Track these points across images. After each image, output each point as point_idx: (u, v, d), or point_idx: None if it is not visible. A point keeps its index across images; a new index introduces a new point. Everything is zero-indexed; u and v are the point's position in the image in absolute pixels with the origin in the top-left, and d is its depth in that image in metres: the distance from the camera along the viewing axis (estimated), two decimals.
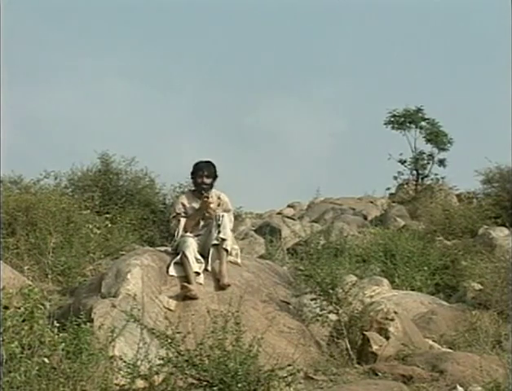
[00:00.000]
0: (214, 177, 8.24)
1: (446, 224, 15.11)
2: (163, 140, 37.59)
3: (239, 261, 8.25)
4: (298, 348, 7.14)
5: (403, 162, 21.79)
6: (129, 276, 7.58)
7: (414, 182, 21.67)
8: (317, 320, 7.94)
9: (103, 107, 41.31)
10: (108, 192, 14.57)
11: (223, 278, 7.83)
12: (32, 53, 41.71)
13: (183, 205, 8.19)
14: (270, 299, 8.02)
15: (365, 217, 18.82)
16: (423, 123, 21.84)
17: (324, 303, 7.94)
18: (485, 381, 6.52)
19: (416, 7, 39.03)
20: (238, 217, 15.61)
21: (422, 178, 21.66)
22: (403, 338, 7.89)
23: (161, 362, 6.27)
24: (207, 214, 8.10)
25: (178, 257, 7.85)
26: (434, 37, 42.20)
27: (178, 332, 6.39)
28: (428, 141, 21.69)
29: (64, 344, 6.02)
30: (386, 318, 7.94)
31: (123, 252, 10.16)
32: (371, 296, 8.31)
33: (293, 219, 18.42)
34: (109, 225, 12.54)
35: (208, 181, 8.17)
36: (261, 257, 12.34)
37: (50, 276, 10.23)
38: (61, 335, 6.10)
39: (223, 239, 7.93)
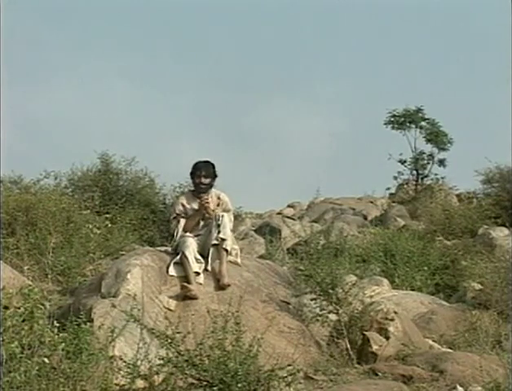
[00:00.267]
0: (213, 176, 8.22)
1: (446, 224, 15.11)
2: (163, 140, 37.61)
3: (239, 261, 8.25)
4: (298, 348, 7.14)
5: (403, 162, 21.81)
6: (129, 276, 7.58)
7: (414, 182, 21.67)
8: (317, 320, 7.94)
9: (103, 107, 41.32)
10: (108, 192, 14.57)
11: (223, 279, 7.83)
12: (32, 53, 41.73)
13: (183, 206, 8.19)
14: (270, 299, 8.02)
15: (365, 217, 18.82)
16: (423, 123, 21.85)
17: (324, 303, 7.94)
18: (485, 381, 6.52)
19: (416, 7, 39.05)
20: (238, 217, 15.61)
21: (422, 178, 21.67)
22: (403, 338, 7.89)
23: (161, 362, 6.27)
24: (206, 215, 8.10)
25: (178, 257, 7.85)
26: (434, 37, 42.22)
27: (178, 332, 6.39)
28: (428, 141, 21.70)
29: (63, 344, 6.02)
30: (386, 318, 7.94)
31: (123, 252, 10.16)
32: (371, 296, 8.31)
33: (293, 219, 18.42)
34: (109, 225, 12.53)
35: (206, 181, 8.16)
36: (261, 257, 12.33)
37: (50, 276, 10.23)
38: (61, 335, 6.10)
39: (223, 239, 7.93)
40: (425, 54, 40.79)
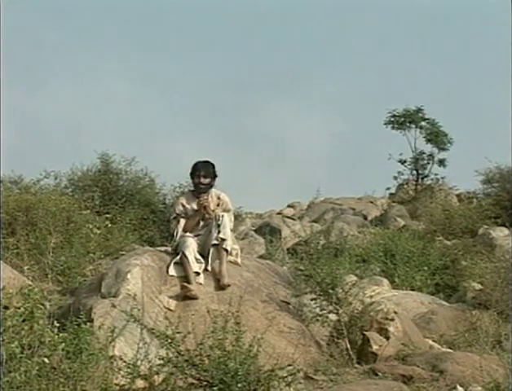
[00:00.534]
0: (213, 176, 8.21)
1: (446, 224, 15.11)
2: (163, 140, 37.61)
3: (239, 261, 8.25)
4: (298, 348, 7.14)
5: (403, 162, 21.82)
6: (129, 276, 7.58)
7: (414, 182, 21.68)
8: (317, 320, 7.94)
9: (103, 107, 41.33)
10: (108, 192, 14.57)
11: (223, 279, 7.83)
12: (32, 53, 41.72)
13: (183, 206, 8.19)
14: (270, 299, 8.02)
15: (365, 217, 18.82)
16: (423, 123, 21.86)
17: (324, 303, 7.94)
18: (485, 381, 6.52)
19: (416, 7, 39.04)
20: (238, 217, 15.61)
21: (422, 178, 21.67)
22: (403, 338, 7.89)
23: (161, 362, 6.27)
24: (206, 215, 8.10)
25: (178, 257, 7.85)
26: (435, 37, 42.22)
27: (178, 332, 6.39)
28: (428, 141, 21.70)
29: (63, 344, 6.02)
30: (386, 318, 7.95)
31: (123, 252, 10.16)
32: (371, 296, 8.31)
33: (293, 219, 18.41)
34: (109, 225, 12.54)
35: (205, 181, 8.15)
36: (261, 257, 12.33)
37: (50, 276, 10.23)
38: (61, 335, 6.10)
39: (223, 239, 7.93)
40: (426, 54, 40.81)
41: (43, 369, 5.83)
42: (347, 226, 15.74)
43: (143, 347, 6.36)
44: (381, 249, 12.40)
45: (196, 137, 37.41)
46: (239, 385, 6.02)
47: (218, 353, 6.17)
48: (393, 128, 22.07)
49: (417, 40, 41.64)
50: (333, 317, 7.93)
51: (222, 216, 8.00)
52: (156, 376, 6.32)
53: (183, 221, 8.11)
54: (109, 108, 41.82)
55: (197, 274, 7.82)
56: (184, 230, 8.06)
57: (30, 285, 6.85)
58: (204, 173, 8.15)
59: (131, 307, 6.82)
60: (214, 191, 8.25)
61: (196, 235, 8.04)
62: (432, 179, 21.49)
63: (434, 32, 42.63)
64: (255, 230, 16.35)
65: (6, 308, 6.18)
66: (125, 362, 6.27)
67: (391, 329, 7.87)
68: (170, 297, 7.60)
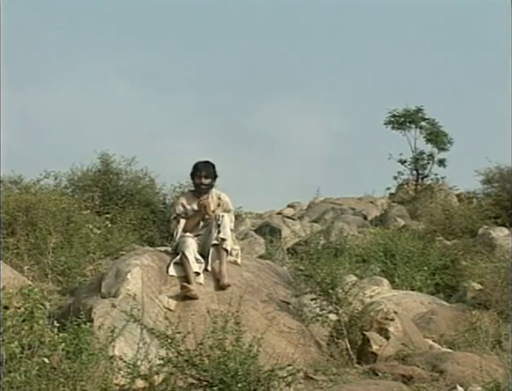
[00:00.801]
0: (214, 177, 8.22)
1: (446, 224, 15.10)
2: (163, 140, 37.62)
3: (239, 261, 8.25)
4: (298, 348, 7.14)
5: (403, 162, 21.79)
6: (129, 276, 7.58)
7: (414, 182, 21.66)
8: (317, 320, 7.94)
9: (103, 107, 41.33)
10: (108, 192, 14.57)
11: (223, 279, 7.83)
12: (32, 53, 41.71)
13: (183, 206, 8.20)
14: (270, 299, 8.02)
15: (365, 217, 18.81)
16: (423, 123, 21.83)
17: (324, 303, 7.95)
18: (485, 381, 6.52)
19: (416, 7, 39.04)
20: (238, 217, 15.59)
21: (422, 178, 21.65)
22: (403, 338, 7.89)
23: (161, 362, 6.28)
24: (206, 216, 8.10)
25: (178, 257, 7.85)
26: (434, 37, 42.22)
27: (178, 332, 6.39)
28: (428, 141, 21.68)
29: (63, 344, 6.02)
30: (386, 318, 7.95)
31: (123, 252, 10.16)
32: (371, 296, 8.31)
33: (293, 219, 18.40)
34: (109, 225, 12.54)
35: (206, 181, 8.16)
36: (261, 257, 12.33)
37: (50, 276, 10.23)
38: (61, 335, 6.10)
39: (223, 239, 7.93)
40: (425, 54, 40.81)
41: (43, 369, 5.83)
42: (347, 226, 15.73)
43: (143, 347, 6.36)
44: (381, 249, 12.40)
45: (196, 137, 37.43)
46: (239, 385, 6.02)
47: (218, 353, 6.17)
48: (393, 128, 22.05)
49: (417, 40, 41.68)
50: (333, 317, 7.93)
51: (223, 216, 8.01)
52: (156, 376, 6.32)
53: (183, 222, 8.12)
54: (109, 108, 41.83)
55: (197, 274, 7.82)
56: (184, 231, 8.07)
57: (30, 285, 6.85)
58: (205, 174, 8.16)
59: (131, 307, 6.82)
60: (214, 191, 8.26)
61: (196, 235, 8.05)
62: (432, 179, 21.47)
63: (435, 32, 42.65)
64: (255, 230, 16.35)
65: (6, 308, 6.18)
66: (125, 362, 6.27)
67: (391, 329, 7.87)
68: (170, 297, 7.60)
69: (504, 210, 15.63)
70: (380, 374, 7.20)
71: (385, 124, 22.13)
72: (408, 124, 21.89)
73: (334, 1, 40.34)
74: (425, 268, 11.73)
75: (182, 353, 6.24)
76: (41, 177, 14.02)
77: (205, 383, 6.17)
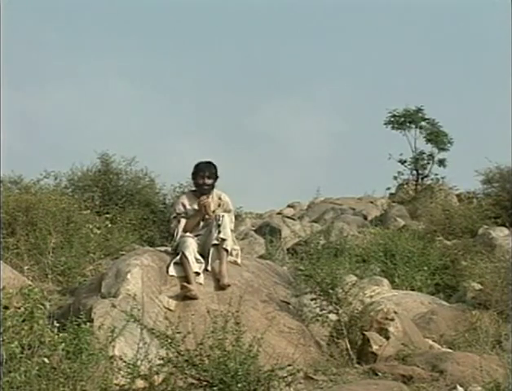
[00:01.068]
0: (215, 177, 8.24)
1: (446, 224, 15.10)
2: (163, 140, 37.60)
3: (239, 261, 8.25)
4: (298, 348, 7.14)
5: (403, 162, 21.79)
6: (129, 276, 7.58)
7: (414, 182, 21.66)
8: (317, 320, 7.94)
9: (103, 107, 41.33)
10: (108, 192, 14.57)
11: (223, 279, 7.83)
12: (32, 53, 41.71)
13: (184, 206, 8.20)
14: (270, 299, 8.02)
15: (365, 217, 18.81)
16: (423, 123, 21.83)
17: (324, 303, 7.94)
18: (485, 381, 6.51)
19: (416, 7, 39.04)
20: (238, 217, 15.60)
21: (422, 178, 21.65)
22: (403, 338, 7.89)
23: (161, 362, 6.28)
24: (207, 216, 8.11)
25: (178, 257, 7.85)
26: (435, 37, 42.22)
27: (178, 332, 6.39)
28: (428, 141, 21.68)
29: (63, 344, 6.02)
30: (386, 318, 7.94)
31: (123, 252, 10.16)
32: (371, 296, 8.31)
33: (293, 219, 18.40)
34: (109, 225, 12.53)
35: (209, 182, 8.18)
36: (261, 257, 12.32)
37: (50, 276, 10.23)
38: (61, 335, 6.10)
39: (223, 239, 7.94)
40: (425, 54, 40.80)
41: (43, 369, 5.83)
42: (347, 226, 15.73)
43: (143, 347, 6.36)
44: (381, 249, 12.39)
45: (196, 137, 37.44)
46: (239, 385, 6.02)
47: (218, 353, 6.17)
48: (393, 128, 22.05)
49: (418, 40, 41.67)
50: (333, 317, 7.93)
51: (223, 216, 8.01)
52: (156, 376, 6.32)
53: (183, 221, 8.12)
54: (109, 108, 41.83)
55: (197, 274, 7.82)
56: (184, 231, 8.07)
57: (30, 285, 6.85)
58: (208, 174, 8.18)
59: (131, 307, 6.82)
60: (214, 191, 8.26)
61: (196, 235, 8.05)
62: (432, 179, 21.47)
63: (435, 32, 42.65)
64: (255, 230, 16.35)
65: (6, 308, 6.18)
66: (125, 362, 6.27)
67: (391, 329, 7.87)
68: (170, 297, 7.60)
69: (504, 210, 15.63)
70: (380, 374, 7.20)
71: (385, 124, 22.15)
72: (408, 124, 21.89)
73: (334, 1, 40.35)
74: (425, 268, 11.72)
75: (182, 353, 6.24)
76: (41, 177, 14.04)
77: (205, 383, 6.17)
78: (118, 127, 38.07)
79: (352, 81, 42.31)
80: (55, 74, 43.53)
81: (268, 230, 15.54)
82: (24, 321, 6.06)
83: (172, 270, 7.83)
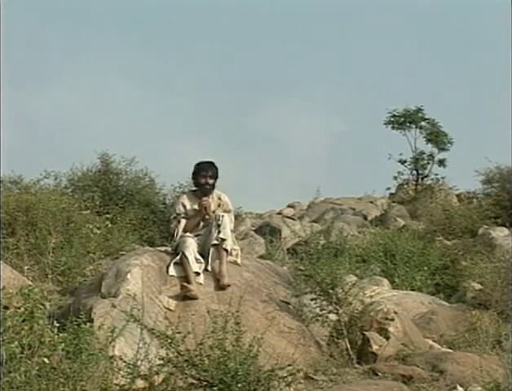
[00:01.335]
0: (216, 177, 8.25)
1: (446, 224, 15.09)
2: (163, 140, 37.57)
3: (239, 261, 8.25)
4: (298, 348, 7.14)
5: (403, 162, 21.78)
6: (129, 276, 7.58)
7: (414, 182, 21.65)
8: (317, 320, 7.94)
9: (103, 107, 41.32)
10: (108, 192, 14.57)
11: (223, 279, 7.83)
12: (32, 53, 41.70)
13: (184, 206, 8.20)
14: (270, 299, 8.02)
15: (365, 217, 18.80)
16: (423, 123, 21.82)
17: (324, 303, 7.95)
18: (485, 381, 6.52)
19: (416, 7, 39.03)
20: (238, 217, 15.61)
21: (422, 178, 21.64)
22: (403, 338, 7.89)
23: (161, 362, 6.28)
24: (207, 217, 8.11)
25: (178, 257, 7.86)
26: (435, 37, 42.21)
27: (178, 332, 6.39)
28: (428, 141, 21.67)
29: (63, 344, 6.02)
30: (386, 318, 7.95)
31: (123, 252, 10.17)
32: (371, 296, 8.31)
33: (293, 219, 18.40)
34: (109, 225, 12.54)
35: (211, 181, 8.19)
36: (261, 257, 12.32)
37: (50, 276, 10.22)
38: (61, 335, 6.10)
39: (223, 239, 7.94)
40: (425, 54, 40.79)
41: (43, 369, 5.83)
42: (347, 226, 15.73)
43: (143, 347, 6.36)
44: (381, 249, 12.39)
45: (196, 137, 37.42)
46: (239, 385, 6.02)
47: (218, 353, 6.17)
48: (393, 128, 22.04)
49: (417, 40, 41.63)
50: (333, 317, 7.94)
51: (223, 216, 8.01)
52: (156, 376, 6.32)
53: (183, 222, 8.12)
54: (109, 108, 41.82)
55: (197, 274, 7.82)
56: (184, 231, 8.07)
57: (30, 285, 6.85)
58: (210, 174, 8.19)
59: (131, 307, 6.81)
60: (214, 191, 8.26)
61: (196, 235, 8.05)
62: (432, 179, 21.46)
63: (435, 32, 42.63)
64: (255, 230, 16.35)
65: (6, 308, 6.18)
66: (125, 362, 6.27)
67: (391, 329, 7.87)
68: (170, 297, 7.60)
69: (504, 210, 15.62)
70: (380, 374, 7.20)
71: (385, 124, 22.13)
72: (408, 124, 21.88)
73: (334, 1, 40.34)
74: (425, 268, 11.72)
75: (182, 353, 6.24)
76: (41, 177, 14.03)
77: (205, 383, 6.17)
78: (118, 127, 38.08)
79: (352, 81, 42.32)
80: (55, 74, 43.54)
81: (268, 230, 15.53)
82: (24, 321, 6.06)
83: (172, 270, 7.83)
